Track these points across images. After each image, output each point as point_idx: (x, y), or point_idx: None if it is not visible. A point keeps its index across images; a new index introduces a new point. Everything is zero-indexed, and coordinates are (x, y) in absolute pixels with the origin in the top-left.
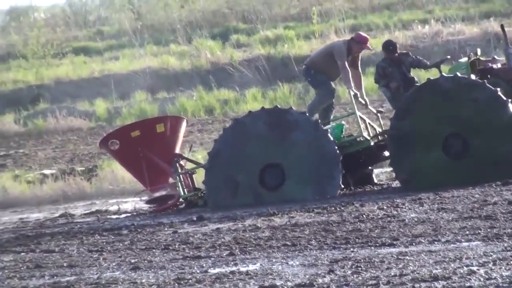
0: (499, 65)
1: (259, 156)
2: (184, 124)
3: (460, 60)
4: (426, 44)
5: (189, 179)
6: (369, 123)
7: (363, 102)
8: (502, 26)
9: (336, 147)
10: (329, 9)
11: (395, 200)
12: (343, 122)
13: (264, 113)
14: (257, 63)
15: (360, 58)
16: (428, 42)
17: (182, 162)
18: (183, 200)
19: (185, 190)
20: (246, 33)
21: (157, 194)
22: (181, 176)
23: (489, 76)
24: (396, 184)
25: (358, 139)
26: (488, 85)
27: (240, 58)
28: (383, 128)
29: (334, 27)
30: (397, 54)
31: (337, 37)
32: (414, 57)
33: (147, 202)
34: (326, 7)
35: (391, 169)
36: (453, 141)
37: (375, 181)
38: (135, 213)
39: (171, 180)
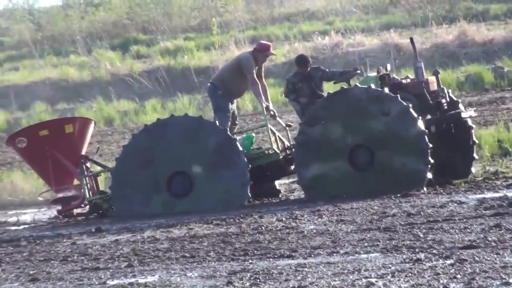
0: (408, 80)
1: (179, 160)
2: (92, 126)
3: (369, 74)
4: (326, 56)
5: (93, 181)
6: (278, 136)
7: (272, 113)
8: (411, 40)
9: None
10: (229, 20)
11: (294, 211)
12: (253, 134)
13: (217, 129)
14: (157, 74)
15: (263, 69)
16: (328, 53)
17: (88, 164)
18: (87, 203)
19: (90, 192)
20: (146, 44)
21: (61, 195)
22: (86, 178)
23: (398, 91)
24: (294, 196)
25: (267, 152)
26: (400, 100)
27: (140, 69)
28: (291, 142)
29: (234, 38)
30: (309, 69)
31: (237, 48)
32: (326, 69)
33: (51, 202)
34: (226, 18)
35: (289, 181)
36: (359, 152)
37: (280, 194)
38: (34, 225)
39: (76, 181)
